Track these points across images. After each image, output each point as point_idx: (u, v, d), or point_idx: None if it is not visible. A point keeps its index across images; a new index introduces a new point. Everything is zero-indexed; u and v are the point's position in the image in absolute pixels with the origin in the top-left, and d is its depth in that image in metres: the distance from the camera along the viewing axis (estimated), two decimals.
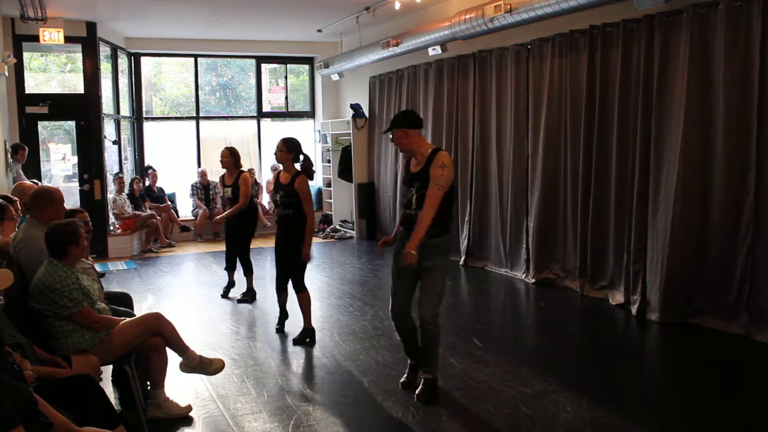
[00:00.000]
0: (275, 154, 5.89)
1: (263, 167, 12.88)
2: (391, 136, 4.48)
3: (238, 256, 7.47)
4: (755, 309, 5.46)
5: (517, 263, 8.03)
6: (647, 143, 6.23)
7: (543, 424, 4.04)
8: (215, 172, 12.30)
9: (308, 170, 5.81)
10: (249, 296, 7.34)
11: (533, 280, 7.65)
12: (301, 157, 5.86)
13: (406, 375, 4.71)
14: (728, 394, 4.50)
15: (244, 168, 7.57)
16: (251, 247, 7.57)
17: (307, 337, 5.78)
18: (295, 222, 5.67)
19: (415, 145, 4.40)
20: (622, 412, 4.16)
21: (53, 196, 4.31)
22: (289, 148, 5.79)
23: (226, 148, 7.44)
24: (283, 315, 6.13)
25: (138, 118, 12.01)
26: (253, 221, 7.52)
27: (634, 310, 6.31)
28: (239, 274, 7.52)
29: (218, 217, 6.82)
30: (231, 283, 7.61)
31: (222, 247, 10.70)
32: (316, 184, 13.18)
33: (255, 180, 12.19)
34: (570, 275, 7.34)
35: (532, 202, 7.71)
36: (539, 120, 7.52)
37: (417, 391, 4.46)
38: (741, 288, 5.53)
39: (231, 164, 7.36)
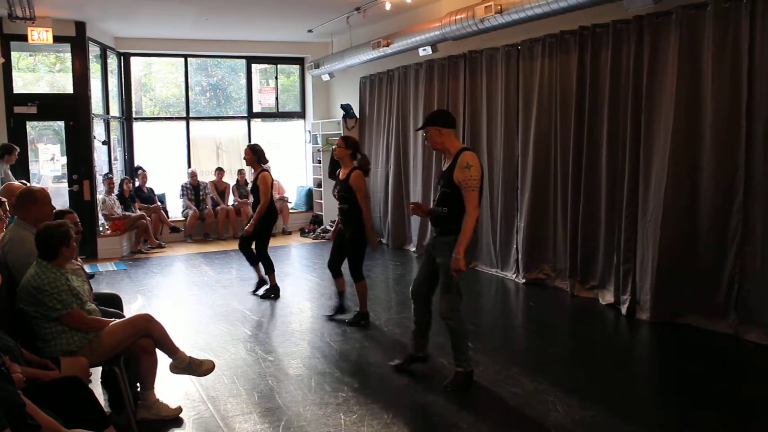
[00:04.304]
0: (333, 150, 6.18)
1: None
2: (424, 133, 4.62)
3: (257, 253, 7.44)
4: (744, 308, 5.49)
5: (508, 263, 8.05)
6: (637, 143, 6.26)
7: (533, 424, 4.05)
8: (205, 172, 12.31)
9: (364, 166, 6.07)
10: (273, 293, 7.40)
11: (523, 280, 7.67)
12: (358, 155, 6.13)
13: (400, 360, 4.99)
14: (717, 393, 4.52)
15: (266, 165, 7.52)
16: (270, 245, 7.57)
17: (361, 320, 6.21)
18: (351, 216, 5.99)
19: (447, 144, 4.54)
20: (613, 412, 4.17)
21: (36, 196, 4.28)
22: (348, 145, 6.08)
23: (248, 146, 7.49)
24: (340, 302, 6.52)
25: (128, 118, 11.95)
26: (272, 218, 7.46)
27: (624, 309, 6.33)
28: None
29: (247, 227, 7.11)
30: (261, 280, 7.60)
31: (211, 248, 10.76)
32: (306, 184, 13.18)
33: (245, 180, 12.17)
34: (560, 275, 7.36)
35: (522, 202, 7.73)
36: (529, 120, 7.54)
37: (446, 382, 4.60)
38: (730, 288, 5.57)
39: (254, 161, 7.39)
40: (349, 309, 6.50)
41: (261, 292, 7.51)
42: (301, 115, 13.41)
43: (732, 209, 5.52)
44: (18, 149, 8.82)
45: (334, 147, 6.20)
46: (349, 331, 6.05)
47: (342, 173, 6.11)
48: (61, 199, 9.74)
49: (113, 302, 4.75)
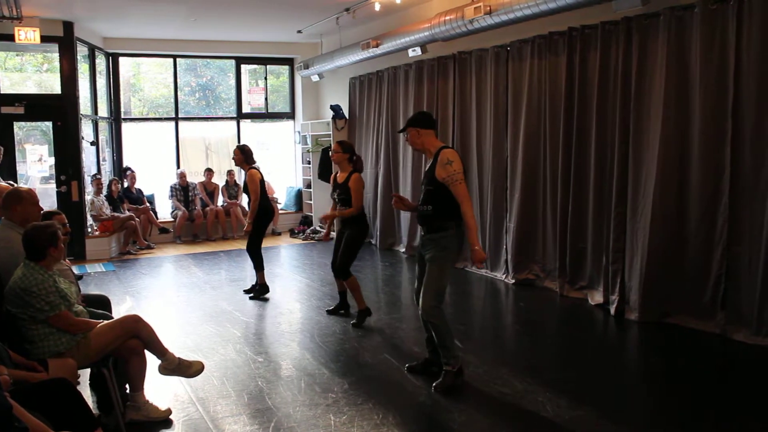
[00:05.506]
0: (331, 155, 6.34)
1: None
2: (405, 135, 4.73)
3: (249, 251, 7.45)
4: (731, 308, 5.53)
5: (497, 264, 8.07)
6: (625, 144, 6.29)
7: (523, 424, 4.06)
8: (194, 173, 12.26)
9: (359, 168, 6.23)
10: (262, 292, 7.40)
11: (513, 281, 7.69)
12: (354, 157, 6.26)
13: (418, 361, 5.01)
14: (706, 392, 4.55)
15: (255, 165, 7.49)
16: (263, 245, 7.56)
17: (365, 318, 6.26)
18: (351, 217, 6.14)
19: (427, 144, 4.64)
20: (602, 412, 4.19)
21: (21, 195, 4.25)
22: (344, 149, 6.24)
23: (237, 146, 7.52)
24: (342, 300, 6.61)
25: (116, 118, 11.90)
26: (266, 218, 7.44)
27: (612, 309, 6.36)
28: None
29: (246, 226, 7.18)
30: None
31: (200, 249, 10.73)
32: (296, 185, 13.16)
33: (234, 181, 12.13)
34: (549, 275, 7.38)
35: (511, 202, 7.75)
36: (518, 121, 7.56)
37: (436, 382, 4.60)
38: (717, 288, 5.61)
39: (242, 161, 7.39)
40: (350, 305, 6.54)
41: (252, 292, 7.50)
42: (291, 115, 13.39)
43: (718, 210, 5.56)
44: (2, 148, 8.76)
45: (331, 153, 6.32)
46: (338, 331, 6.05)
47: (341, 177, 6.22)
48: (49, 200, 9.68)
49: (102, 303, 4.72)
